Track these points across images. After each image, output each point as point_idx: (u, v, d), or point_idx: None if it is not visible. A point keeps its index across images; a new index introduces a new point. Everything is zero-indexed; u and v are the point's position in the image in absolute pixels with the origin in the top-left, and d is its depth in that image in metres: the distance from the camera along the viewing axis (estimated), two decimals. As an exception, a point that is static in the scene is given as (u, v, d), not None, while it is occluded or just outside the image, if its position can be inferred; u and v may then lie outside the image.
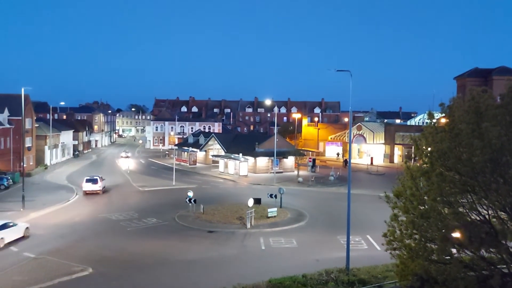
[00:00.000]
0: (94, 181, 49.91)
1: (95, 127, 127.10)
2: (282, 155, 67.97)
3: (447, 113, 16.18)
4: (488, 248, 14.98)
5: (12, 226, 30.78)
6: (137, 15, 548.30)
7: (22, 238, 31.28)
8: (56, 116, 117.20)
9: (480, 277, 15.16)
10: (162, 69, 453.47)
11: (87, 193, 49.43)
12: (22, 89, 45.72)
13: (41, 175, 65.14)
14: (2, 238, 29.30)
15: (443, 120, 17.09)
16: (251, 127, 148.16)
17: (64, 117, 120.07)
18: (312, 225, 36.00)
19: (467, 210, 15.05)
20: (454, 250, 15.41)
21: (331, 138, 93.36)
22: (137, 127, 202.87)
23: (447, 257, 15.32)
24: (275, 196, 41.49)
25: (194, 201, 39.52)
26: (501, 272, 15.17)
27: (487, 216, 15.14)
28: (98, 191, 49.81)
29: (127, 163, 76.00)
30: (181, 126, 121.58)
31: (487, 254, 15.37)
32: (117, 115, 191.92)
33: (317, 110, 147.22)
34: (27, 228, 32.12)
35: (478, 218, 15.16)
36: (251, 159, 66.72)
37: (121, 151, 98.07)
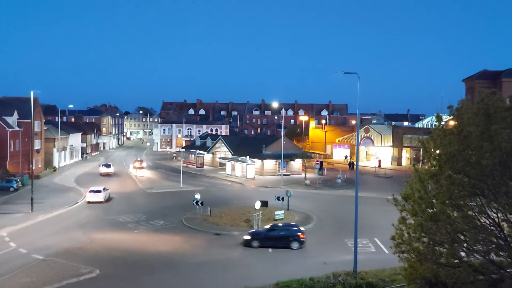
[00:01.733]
0: (108, 166, 68.97)
1: (103, 129, 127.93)
2: (289, 157, 67.86)
3: (456, 116, 16.06)
4: (498, 252, 14.82)
5: (107, 190, 48.27)
6: (145, 18, 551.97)
7: (109, 199, 47.84)
8: (64, 118, 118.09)
9: (490, 281, 15.00)
10: (170, 72, 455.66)
11: (102, 175, 66.27)
12: (31, 92, 46.21)
13: (49, 177, 65.60)
14: (104, 196, 46.49)
15: (452, 123, 16.97)
16: (258, 130, 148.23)
17: (73, 119, 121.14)
18: (319, 228, 35.88)
19: (476, 214, 14.90)
20: (463, 254, 15.27)
21: (338, 141, 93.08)
22: (145, 130, 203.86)
23: (456, 261, 15.18)
24: (282, 199, 41.44)
25: (201, 203, 39.58)
26: (511, 276, 15.00)
27: (496, 220, 14.99)
28: (111, 173, 67.49)
29: (142, 173, 69.02)
30: (188, 129, 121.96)
31: (496, 258, 15.21)
32: (125, 117, 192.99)
33: (324, 113, 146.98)
34: (110, 193, 49.24)
35: (487, 222, 15.01)
36: (258, 161, 66.71)
37: (133, 157, 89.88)
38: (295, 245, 30.17)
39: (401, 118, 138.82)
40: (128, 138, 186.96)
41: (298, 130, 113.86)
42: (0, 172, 58.22)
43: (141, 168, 72.63)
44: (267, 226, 32.27)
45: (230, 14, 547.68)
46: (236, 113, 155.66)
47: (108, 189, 48.80)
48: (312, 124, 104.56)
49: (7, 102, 66.25)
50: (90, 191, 46.74)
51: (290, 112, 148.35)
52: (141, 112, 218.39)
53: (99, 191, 46.42)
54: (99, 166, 71.60)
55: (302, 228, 32.16)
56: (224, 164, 72.44)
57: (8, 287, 22.52)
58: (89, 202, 45.69)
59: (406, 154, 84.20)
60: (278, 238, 30.51)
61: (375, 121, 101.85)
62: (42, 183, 58.79)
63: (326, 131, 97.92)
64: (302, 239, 30.54)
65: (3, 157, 59.82)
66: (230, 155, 72.46)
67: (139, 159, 78.65)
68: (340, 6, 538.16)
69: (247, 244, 30.58)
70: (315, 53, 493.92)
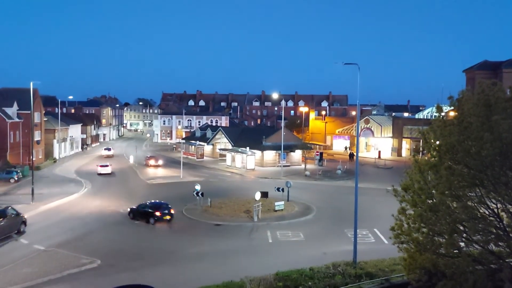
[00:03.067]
0: (108, 149, 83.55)
1: (103, 121, 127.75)
2: (289, 148, 67.87)
3: (456, 106, 16.04)
4: (497, 242, 14.88)
5: (108, 166, 60.48)
6: (144, 9, 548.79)
7: (113, 173, 59.68)
8: (64, 110, 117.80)
9: (488, 271, 15.09)
10: (170, 63, 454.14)
11: (104, 157, 78.34)
12: (31, 83, 46.01)
13: (50, 168, 65.69)
14: (110, 168, 59.96)
15: (452, 114, 16.94)
16: (258, 121, 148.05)
17: (73, 111, 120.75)
18: (319, 219, 36.00)
19: (476, 204, 14.95)
20: (462, 244, 15.33)
21: (338, 132, 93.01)
22: (145, 121, 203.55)
23: (455, 251, 15.25)
24: (282, 190, 41.52)
25: (202, 194, 39.66)
26: (510, 266, 15.08)
27: (496, 210, 15.04)
28: (112, 155, 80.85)
29: (157, 171, 63.27)
30: (188, 120, 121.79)
31: (495, 248, 15.27)
32: (125, 109, 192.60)
33: (324, 104, 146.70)
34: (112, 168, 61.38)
35: (487, 212, 15.05)
36: (258, 152, 66.73)
37: (133, 148, 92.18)
38: (151, 220, 33.97)
39: (401, 109, 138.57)
40: (136, 130, 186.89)
41: (298, 121, 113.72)
42: (0, 163, 58.28)
43: (158, 166, 66.68)
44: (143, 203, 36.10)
45: (229, 5, 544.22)
46: (236, 104, 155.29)
47: (111, 165, 61.69)
48: (312, 115, 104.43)
49: (7, 93, 66.08)
50: (100, 166, 60.01)
51: (290, 103, 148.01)
52: (141, 103, 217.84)
53: (107, 165, 60.48)
54: (102, 150, 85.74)
55: (170, 206, 35.44)
56: (224, 155, 72.45)
57: (10, 277, 22.64)
58: (99, 174, 58.22)
59: (406, 145, 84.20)
60: (142, 214, 34.71)
61: (375, 112, 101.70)
62: (43, 174, 58.88)
63: (326, 122, 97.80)
64: (157, 217, 33.93)
65: (4, 148, 59.82)
66: (230, 146, 72.45)
67: (153, 156, 71.48)
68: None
69: (128, 215, 35.83)
70: (315, 44, 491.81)
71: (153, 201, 36.95)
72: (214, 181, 54.94)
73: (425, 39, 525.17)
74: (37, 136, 67.44)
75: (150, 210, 34.19)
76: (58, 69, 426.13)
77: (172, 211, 34.82)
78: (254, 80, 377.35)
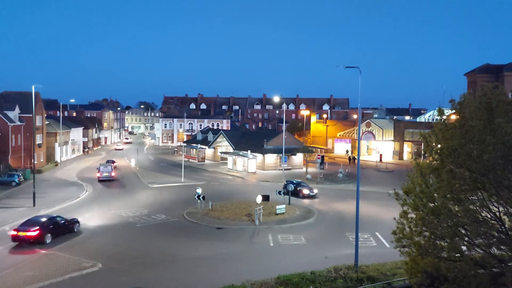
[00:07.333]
0: (127, 138, 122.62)
1: (105, 124, 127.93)
2: (291, 152, 67.86)
3: (458, 110, 16.01)
4: (499, 246, 14.82)
5: (120, 145, 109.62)
6: (145, 12, 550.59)
7: (122, 148, 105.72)
8: (66, 113, 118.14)
9: (490, 275, 15.02)
10: (171, 67, 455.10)
11: (124, 143, 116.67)
12: (33, 87, 46.12)
13: (51, 171, 65.75)
14: (123, 147, 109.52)
15: (454, 117, 16.92)
16: (260, 124, 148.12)
17: (74, 114, 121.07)
18: (321, 222, 35.92)
19: (478, 207, 14.90)
20: (464, 248, 15.27)
21: (340, 135, 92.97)
22: (146, 124, 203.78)
23: (457, 255, 15.19)
24: (284, 193, 41.45)
25: (203, 197, 39.63)
26: (512, 270, 15.00)
27: (498, 213, 14.98)
28: (131, 142, 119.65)
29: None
30: (189, 123, 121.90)
31: (498, 251, 15.21)
32: (126, 112, 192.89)
33: (325, 107, 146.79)
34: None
35: (489, 216, 15.00)
36: (259, 156, 66.72)
37: (134, 151, 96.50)
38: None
39: (403, 112, 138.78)
40: (134, 133, 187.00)
41: (300, 124, 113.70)
42: (2, 166, 58.38)
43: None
44: None
45: (231, 9, 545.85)
46: (237, 107, 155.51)
47: (123, 144, 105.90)
48: (314, 118, 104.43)
49: (8, 97, 66.31)
50: (116, 146, 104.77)
51: (292, 107, 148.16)
52: (142, 106, 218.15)
53: (119, 144, 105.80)
54: (123, 138, 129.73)
55: (111, 167, 58.26)
56: (226, 159, 72.47)
57: (11, 280, 22.62)
58: (116, 149, 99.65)
59: (407, 148, 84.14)
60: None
61: (376, 115, 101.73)
62: (44, 177, 58.92)
63: (327, 126, 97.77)
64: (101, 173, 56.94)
65: (5, 152, 59.94)
66: (231, 150, 72.47)
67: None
68: (342, 1, 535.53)
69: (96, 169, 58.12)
70: (317, 48, 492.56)
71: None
72: (216, 184, 54.92)
73: (426, 42, 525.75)
74: (38, 139, 67.58)
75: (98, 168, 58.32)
76: (59, 72, 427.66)
77: (113, 172, 57.79)
78: (255, 83, 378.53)
